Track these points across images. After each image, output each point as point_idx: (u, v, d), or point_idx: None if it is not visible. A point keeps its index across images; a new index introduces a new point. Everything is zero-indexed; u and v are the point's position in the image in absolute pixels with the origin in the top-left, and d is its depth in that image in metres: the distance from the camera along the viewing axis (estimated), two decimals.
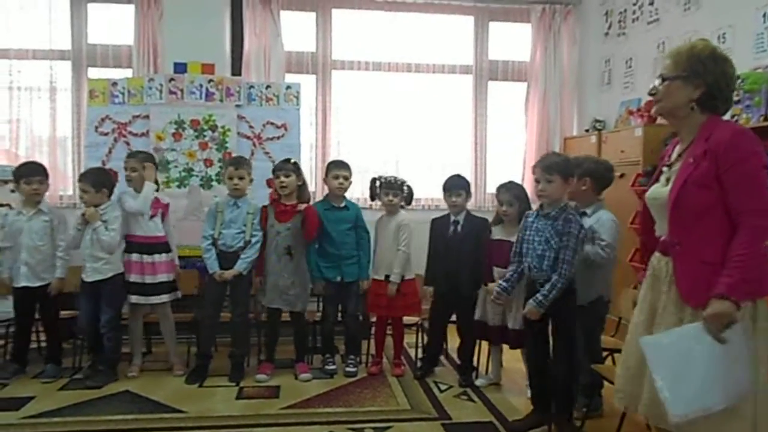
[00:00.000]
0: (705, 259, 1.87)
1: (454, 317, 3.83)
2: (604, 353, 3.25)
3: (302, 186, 3.85)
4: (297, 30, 5.65)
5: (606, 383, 2.88)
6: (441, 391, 3.57)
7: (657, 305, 2.01)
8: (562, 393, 2.87)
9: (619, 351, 3.21)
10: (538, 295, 2.78)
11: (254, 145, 4.72)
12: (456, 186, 3.74)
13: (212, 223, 3.75)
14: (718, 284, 1.80)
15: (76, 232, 3.64)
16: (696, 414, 1.77)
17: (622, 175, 4.35)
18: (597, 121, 5.37)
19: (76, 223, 3.65)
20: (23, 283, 3.66)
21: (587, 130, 5.43)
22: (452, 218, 3.76)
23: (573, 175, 2.84)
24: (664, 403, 1.80)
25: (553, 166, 2.80)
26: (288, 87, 4.85)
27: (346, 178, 3.89)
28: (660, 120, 2.20)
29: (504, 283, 3.01)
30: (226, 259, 3.70)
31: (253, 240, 3.73)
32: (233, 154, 4.58)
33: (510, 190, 3.53)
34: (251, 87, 4.79)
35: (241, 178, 3.73)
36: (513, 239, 3.48)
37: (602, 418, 3.12)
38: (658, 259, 2.05)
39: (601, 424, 3.03)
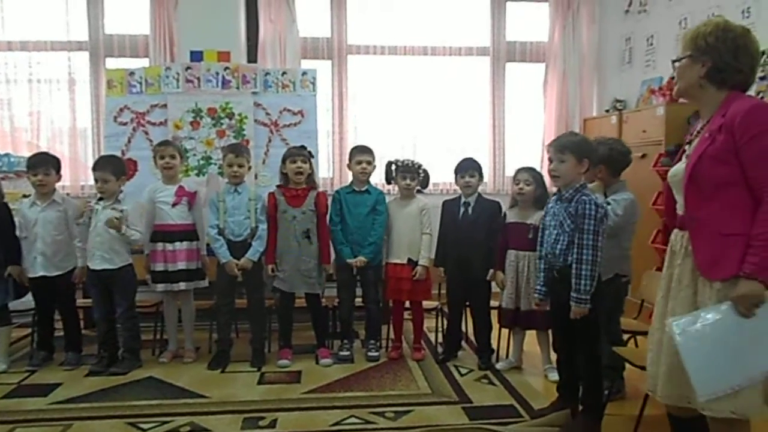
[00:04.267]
0: (723, 231, 1.86)
1: None
2: (627, 336, 3.22)
3: (312, 172, 3.87)
4: (312, 15, 5.63)
5: (628, 365, 2.84)
6: (461, 375, 3.57)
7: (672, 279, 2.03)
8: (585, 382, 2.80)
9: (641, 333, 3.21)
10: (572, 293, 2.64)
11: (271, 132, 4.73)
12: (468, 167, 3.72)
13: (216, 213, 3.76)
14: (745, 264, 1.79)
15: (82, 227, 3.65)
16: (723, 393, 1.80)
17: (643, 156, 4.30)
18: (617, 101, 5.29)
19: (79, 218, 3.65)
20: (40, 273, 3.69)
21: (607, 111, 5.35)
22: (463, 200, 3.75)
23: (589, 156, 2.71)
24: (693, 384, 1.82)
25: (567, 145, 2.72)
26: (304, 73, 4.84)
27: (369, 163, 3.88)
28: (682, 99, 2.19)
29: (539, 287, 2.92)
30: (236, 248, 3.71)
31: (260, 228, 3.74)
32: (251, 142, 4.60)
33: (528, 171, 3.53)
34: (267, 74, 4.79)
35: (240, 166, 3.73)
36: (528, 221, 3.48)
37: (624, 401, 3.09)
38: (675, 234, 2.07)
39: (622, 407, 3.01)
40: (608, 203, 2.92)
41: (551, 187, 3.68)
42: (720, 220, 1.87)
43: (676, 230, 2.07)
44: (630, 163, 3.15)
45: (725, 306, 1.82)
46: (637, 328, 3.26)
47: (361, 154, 3.89)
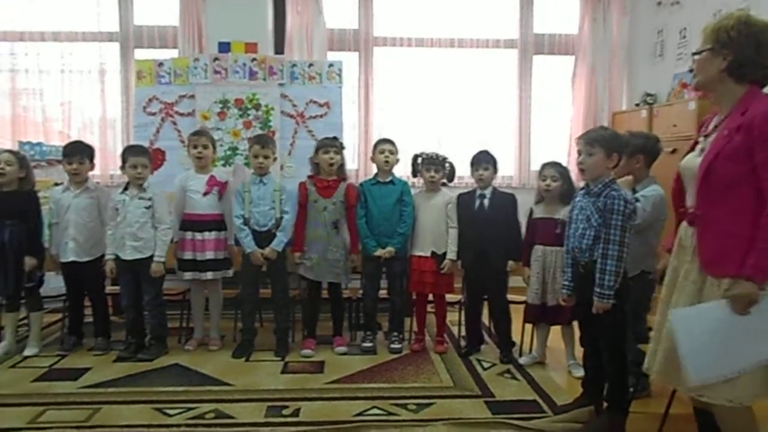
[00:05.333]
0: (729, 232, 1.90)
1: None
2: (652, 333, 3.17)
3: (343, 164, 3.91)
4: (339, 7, 5.63)
5: None
6: (484, 369, 3.56)
7: (679, 272, 2.08)
8: (610, 379, 2.77)
9: None
10: (595, 288, 2.60)
11: (297, 123, 4.75)
12: (481, 160, 3.73)
13: (241, 203, 3.78)
14: (744, 266, 1.84)
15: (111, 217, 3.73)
16: (715, 380, 1.90)
17: (674, 151, 4.21)
18: (648, 94, 5.19)
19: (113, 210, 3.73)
20: (71, 258, 3.77)
21: (637, 105, 5.26)
22: (478, 192, 3.74)
23: (619, 151, 2.67)
24: (686, 368, 1.92)
25: (597, 139, 2.68)
26: (330, 65, 4.85)
27: (392, 152, 3.88)
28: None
29: (567, 283, 2.88)
30: (261, 238, 3.74)
31: (286, 218, 3.76)
32: (277, 133, 4.62)
33: (554, 167, 3.51)
34: (294, 65, 4.81)
35: (266, 157, 3.76)
36: (556, 216, 3.45)
37: (650, 398, 3.06)
38: (685, 229, 2.10)
39: (648, 405, 2.97)
40: (637, 199, 2.88)
41: (578, 181, 3.65)
42: (726, 221, 1.90)
43: (685, 224, 2.11)
44: (661, 151, 3.11)
45: (724, 300, 1.89)
46: None
47: (384, 144, 3.91)
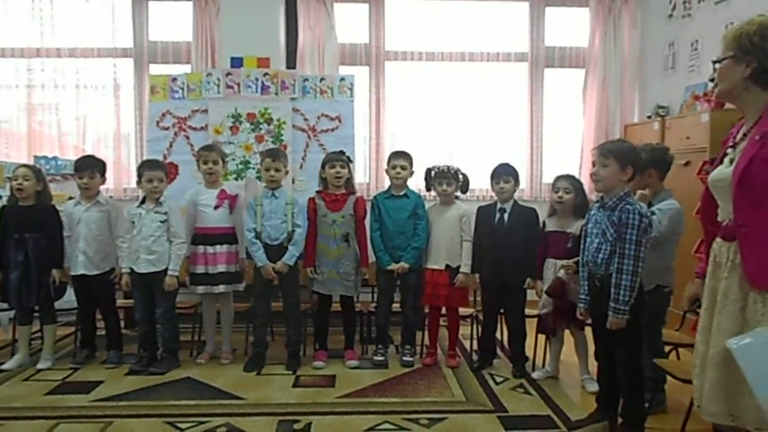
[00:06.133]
0: None
1: None
2: (668, 347, 3.14)
3: (351, 177, 3.93)
4: (350, 22, 5.67)
5: (670, 378, 2.77)
6: (497, 383, 3.53)
7: (717, 292, 1.94)
8: (625, 394, 2.73)
9: (683, 345, 3.13)
10: (610, 303, 2.58)
11: (309, 137, 4.77)
12: (503, 173, 3.70)
13: (253, 216, 3.80)
14: None
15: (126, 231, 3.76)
16: None
17: (687, 163, 4.20)
18: (660, 107, 5.18)
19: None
20: (80, 271, 3.79)
21: (649, 117, 5.24)
22: (498, 206, 3.72)
23: (634, 164, 2.64)
24: (760, 403, 1.70)
25: (612, 150, 2.66)
26: (342, 79, 4.87)
27: (404, 168, 3.89)
28: (728, 105, 2.11)
29: (582, 296, 2.85)
30: (272, 251, 3.75)
31: (297, 232, 3.77)
32: (288, 147, 4.65)
33: (567, 179, 3.49)
34: (306, 80, 4.84)
35: (277, 170, 3.78)
36: (568, 230, 3.42)
37: (665, 414, 3.01)
38: (720, 244, 1.97)
39: (664, 421, 2.93)
40: (652, 213, 2.85)
41: (591, 194, 3.63)
42: None
43: (719, 240, 1.98)
44: (672, 161, 3.09)
45: None
46: (679, 340, 3.18)
47: (396, 159, 3.91)
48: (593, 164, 2.73)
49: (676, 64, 5.24)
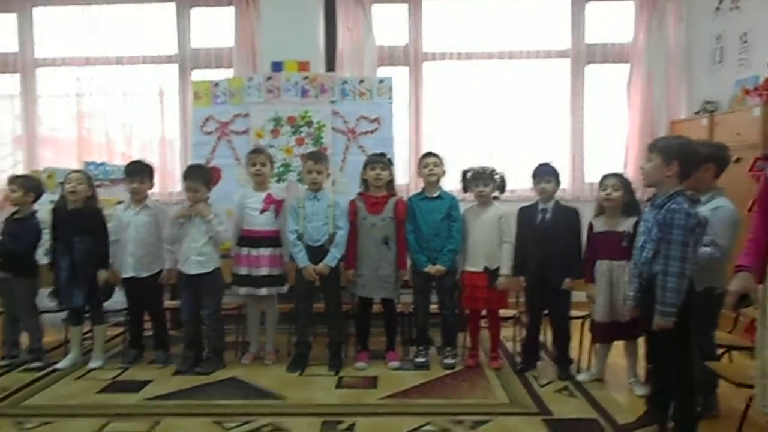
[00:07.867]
0: None
1: None
2: (721, 350, 3.03)
3: (392, 180, 3.92)
4: (388, 23, 5.68)
5: (722, 382, 2.68)
6: (541, 386, 3.48)
7: None
8: (678, 397, 2.65)
9: (737, 348, 3.03)
10: (656, 305, 2.52)
11: (348, 139, 4.79)
12: (544, 173, 3.64)
13: (295, 218, 3.83)
14: None
15: (174, 229, 3.80)
16: None
17: (738, 160, 4.06)
18: (708, 102, 5.04)
19: (174, 218, 3.80)
20: (130, 274, 3.90)
21: (697, 113, 5.09)
22: (540, 206, 3.66)
23: (681, 160, 2.53)
24: None
25: (656, 144, 2.60)
26: (381, 81, 4.87)
27: (436, 165, 3.86)
28: None
29: (631, 293, 2.79)
30: (314, 253, 3.77)
31: (339, 233, 3.78)
32: (328, 149, 4.68)
33: (615, 177, 3.39)
34: (345, 82, 4.86)
35: (319, 173, 3.81)
36: (619, 229, 3.34)
37: (718, 419, 2.91)
38: None
39: (716, 426, 2.83)
40: (706, 221, 2.72)
41: (638, 191, 3.55)
42: None
43: None
44: (730, 160, 3.00)
45: None
46: (732, 342, 3.08)
47: (427, 158, 3.91)
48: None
49: (725, 57, 5.08)
